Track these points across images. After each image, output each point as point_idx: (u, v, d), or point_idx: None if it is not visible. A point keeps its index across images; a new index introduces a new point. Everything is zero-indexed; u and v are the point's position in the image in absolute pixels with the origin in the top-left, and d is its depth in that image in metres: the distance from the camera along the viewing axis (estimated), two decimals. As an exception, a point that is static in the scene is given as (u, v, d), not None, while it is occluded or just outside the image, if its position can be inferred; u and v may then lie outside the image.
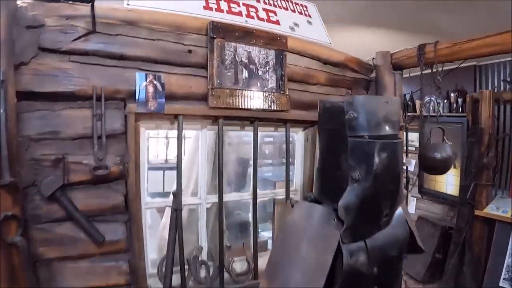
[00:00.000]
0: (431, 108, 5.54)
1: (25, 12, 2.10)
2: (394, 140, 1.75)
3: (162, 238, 3.01)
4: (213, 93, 2.63)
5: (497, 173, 4.82)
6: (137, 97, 2.41)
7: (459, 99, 5.91)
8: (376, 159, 1.67)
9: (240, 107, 2.77)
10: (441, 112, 3.66)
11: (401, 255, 1.97)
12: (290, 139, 3.23)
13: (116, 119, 2.36)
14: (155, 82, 2.47)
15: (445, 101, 5.88)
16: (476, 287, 4.35)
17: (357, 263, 1.75)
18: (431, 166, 3.36)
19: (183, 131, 2.70)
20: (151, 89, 2.45)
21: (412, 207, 5.80)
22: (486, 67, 6.08)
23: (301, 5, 3.57)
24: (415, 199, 5.90)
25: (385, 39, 5.16)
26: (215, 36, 2.67)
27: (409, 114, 4.09)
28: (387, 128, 1.72)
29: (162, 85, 2.50)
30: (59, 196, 2.15)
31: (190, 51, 2.62)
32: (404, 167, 3.74)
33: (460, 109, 5.77)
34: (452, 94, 5.99)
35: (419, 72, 3.55)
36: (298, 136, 3.45)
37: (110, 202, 2.34)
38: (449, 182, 5.36)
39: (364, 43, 4.71)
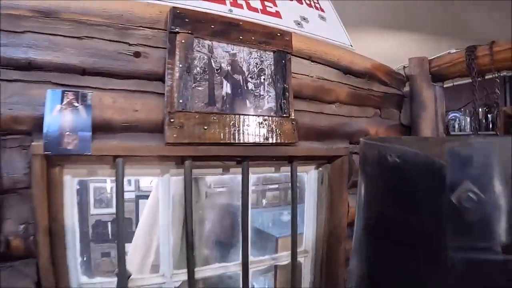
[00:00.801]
0: (457, 125, 5.32)
1: None
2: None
3: None
4: (173, 120, 1.66)
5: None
6: (45, 130, 1.52)
7: (488, 115, 5.48)
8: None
9: (219, 141, 1.80)
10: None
11: None
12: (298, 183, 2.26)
13: (16, 164, 1.56)
14: (76, 104, 1.57)
15: (472, 117, 5.38)
16: None
17: None
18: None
19: (133, 177, 1.72)
20: (69, 115, 1.56)
21: None
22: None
23: (310, -5, 2.63)
24: None
25: (413, 44, 4.23)
26: (177, 29, 1.72)
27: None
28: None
29: (89, 108, 1.59)
30: None
31: (138, 54, 1.72)
32: None
33: (490, 126, 5.40)
34: (480, 110, 5.42)
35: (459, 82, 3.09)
36: (309, 177, 2.48)
37: None
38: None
39: (388, 48, 3.77)
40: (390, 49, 3.67)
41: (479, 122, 5.39)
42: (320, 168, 2.45)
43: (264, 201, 3.50)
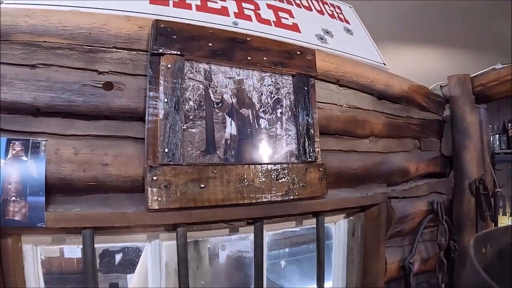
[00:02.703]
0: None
1: None
2: None
3: None
4: (156, 177, 1.19)
5: None
6: None
7: None
8: None
9: (223, 203, 1.31)
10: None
11: None
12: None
13: None
14: (25, 158, 1.17)
15: (501, 134, 5.01)
16: None
17: None
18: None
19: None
20: (14, 174, 1.15)
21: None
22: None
23: (332, 5, 2.19)
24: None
25: (449, 61, 3.75)
26: (162, 50, 1.27)
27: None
28: None
29: (42, 163, 1.18)
30: None
31: (109, 86, 1.29)
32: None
33: None
34: (510, 126, 5.00)
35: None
36: (338, 229, 1.98)
37: None
38: None
39: (418, 65, 3.30)
40: (421, 66, 3.20)
41: (509, 140, 4.95)
42: (351, 218, 1.96)
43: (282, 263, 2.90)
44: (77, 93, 1.23)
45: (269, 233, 1.73)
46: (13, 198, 1.13)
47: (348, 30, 2.10)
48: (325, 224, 1.78)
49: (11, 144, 1.16)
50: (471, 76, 2.55)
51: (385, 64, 2.09)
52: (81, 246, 1.24)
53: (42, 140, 1.18)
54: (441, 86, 2.58)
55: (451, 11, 3.21)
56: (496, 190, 2.44)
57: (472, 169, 2.37)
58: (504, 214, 3.91)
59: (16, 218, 1.13)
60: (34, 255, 1.35)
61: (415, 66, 3.36)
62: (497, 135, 5.86)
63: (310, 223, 1.77)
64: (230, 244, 1.89)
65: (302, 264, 2.56)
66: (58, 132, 1.22)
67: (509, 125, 5.15)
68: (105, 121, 1.26)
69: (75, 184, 1.21)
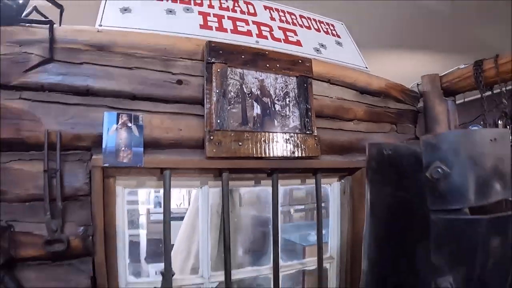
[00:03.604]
0: None
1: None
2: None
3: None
4: (212, 137, 1.92)
5: None
6: (104, 145, 1.78)
7: (508, 127, 5.25)
8: (485, 253, 0.87)
9: (252, 155, 2.04)
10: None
11: None
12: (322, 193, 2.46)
13: (77, 175, 1.80)
14: (130, 124, 1.84)
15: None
16: None
17: None
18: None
19: (178, 189, 1.97)
20: (123, 134, 1.82)
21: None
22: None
23: (327, 23, 2.91)
24: None
25: (429, 63, 4.42)
26: (213, 60, 2.01)
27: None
28: (498, 188, 0.92)
29: (140, 128, 1.86)
30: (1, 276, 1.62)
31: (180, 82, 2.01)
32: None
33: None
34: (500, 122, 5.39)
35: (471, 97, 3.08)
36: (333, 188, 2.69)
37: (72, 285, 1.73)
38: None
39: (402, 68, 3.98)
40: (406, 69, 3.85)
41: None
42: (342, 180, 2.66)
43: (292, 211, 3.75)
44: (160, 86, 1.95)
45: (282, 188, 2.44)
46: (123, 148, 1.80)
47: (339, 43, 2.81)
48: (322, 185, 2.48)
49: (120, 116, 1.83)
50: (440, 75, 3.12)
51: (367, 68, 2.78)
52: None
53: (140, 115, 1.90)
54: (417, 84, 3.17)
55: (428, 22, 3.84)
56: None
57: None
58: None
59: (125, 161, 1.79)
60: (123, 194, 2.00)
61: (400, 69, 3.97)
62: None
63: (311, 182, 2.47)
64: (255, 194, 2.63)
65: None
66: (149, 110, 1.92)
67: (499, 121, 5.67)
68: (178, 104, 1.98)
69: (161, 142, 1.92)
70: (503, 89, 2.79)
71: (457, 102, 3.27)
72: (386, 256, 1.08)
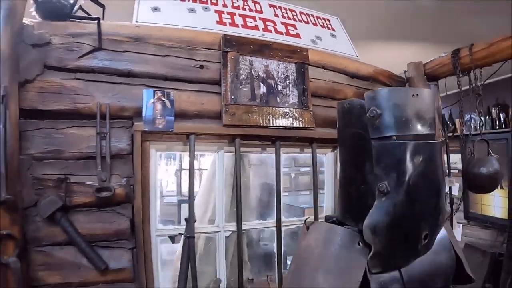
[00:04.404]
0: (472, 126, 5.39)
1: (31, 31, 2.08)
2: (429, 140, 1.45)
3: (177, 269, 2.75)
4: (228, 110, 2.43)
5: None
6: (144, 115, 2.27)
7: (501, 114, 5.66)
8: (409, 165, 1.36)
9: (259, 124, 2.54)
10: (482, 129, 3.23)
11: (446, 287, 1.62)
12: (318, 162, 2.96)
13: (122, 138, 2.25)
14: (163, 99, 2.32)
15: (487, 117, 5.65)
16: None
17: (390, 299, 1.43)
18: (478, 183, 2.93)
19: (199, 153, 2.47)
20: (159, 106, 2.29)
21: (458, 234, 5.24)
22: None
23: (324, 18, 3.38)
24: (461, 225, 5.35)
25: (418, 53, 4.86)
26: (228, 50, 2.50)
27: (449, 134, 3.67)
28: (419, 126, 1.41)
29: (171, 102, 2.34)
30: (59, 218, 2.02)
31: (202, 67, 2.48)
32: (447, 187, 3.36)
33: (503, 125, 5.53)
34: (493, 110, 5.74)
35: (457, 90, 3.26)
36: (327, 158, 3.17)
37: (115, 226, 2.17)
38: (496, 205, 4.81)
39: (395, 58, 4.42)
40: (394, 58, 4.20)
41: (493, 122, 5.70)
42: (336, 151, 3.15)
43: (292, 175, 4.35)
44: (186, 70, 2.41)
45: (284, 155, 2.93)
46: (158, 117, 2.27)
47: (333, 35, 3.29)
48: (318, 155, 2.98)
49: (155, 92, 2.28)
50: (424, 62, 3.49)
51: (357, 56, 3.23)
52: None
53: (171, 92, 2.36)
54: (405, 71, 3.60)
55: (414, 16, 4.16)
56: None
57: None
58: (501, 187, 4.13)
59: (160, 127, 2.27)
60: (155, 156, 2.43)
61: (389, 59, 4.33)
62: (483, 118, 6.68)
63: (308, 151, 2.94)
64: (261, 159, 3.16)
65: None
66: (178, 88, 2.38)
67: (493, 109, 5.70)
68: (200, 84, 2.46)
69: (187, 113, 2.39)
70: (477, 74, 3.11)
71: (442, 94, 3.68)
72: (349, 171, 1.58)
